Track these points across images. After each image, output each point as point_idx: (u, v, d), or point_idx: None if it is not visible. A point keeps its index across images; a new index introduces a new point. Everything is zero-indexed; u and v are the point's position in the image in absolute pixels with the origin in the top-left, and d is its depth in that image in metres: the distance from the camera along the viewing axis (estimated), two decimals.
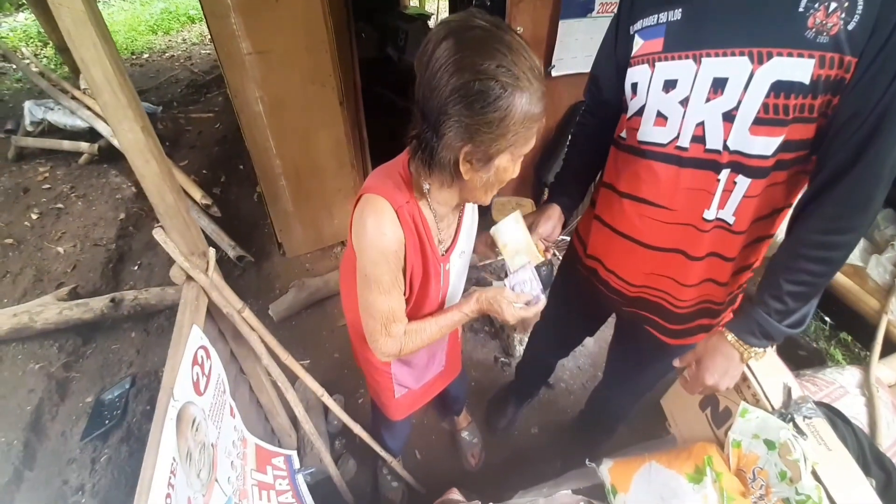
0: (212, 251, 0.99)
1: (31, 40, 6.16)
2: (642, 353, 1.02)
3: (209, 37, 6.97)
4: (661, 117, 0.76)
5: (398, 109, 3.76)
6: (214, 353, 0.91)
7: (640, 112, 0.79)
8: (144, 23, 7.16)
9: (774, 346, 0.78)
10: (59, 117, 3.67)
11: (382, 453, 1.35)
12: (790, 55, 0.61)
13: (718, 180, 0.72)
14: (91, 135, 3.61)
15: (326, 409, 1.76)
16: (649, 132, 0.78)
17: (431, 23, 4.55)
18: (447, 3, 5.56)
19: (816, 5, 0.58)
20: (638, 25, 0.76)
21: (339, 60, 2.06)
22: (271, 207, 2.32)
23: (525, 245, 0.86)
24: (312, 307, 2.24)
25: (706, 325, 0.89)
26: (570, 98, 2.34)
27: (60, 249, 2.62)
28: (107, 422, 1.56)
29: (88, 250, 2.67)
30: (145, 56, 6.13)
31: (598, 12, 2.07)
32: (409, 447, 1.65)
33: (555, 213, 0.96)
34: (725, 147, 0.70)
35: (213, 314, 1.07)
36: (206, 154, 3.73)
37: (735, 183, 0.71)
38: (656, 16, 0.73)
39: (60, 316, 1.95)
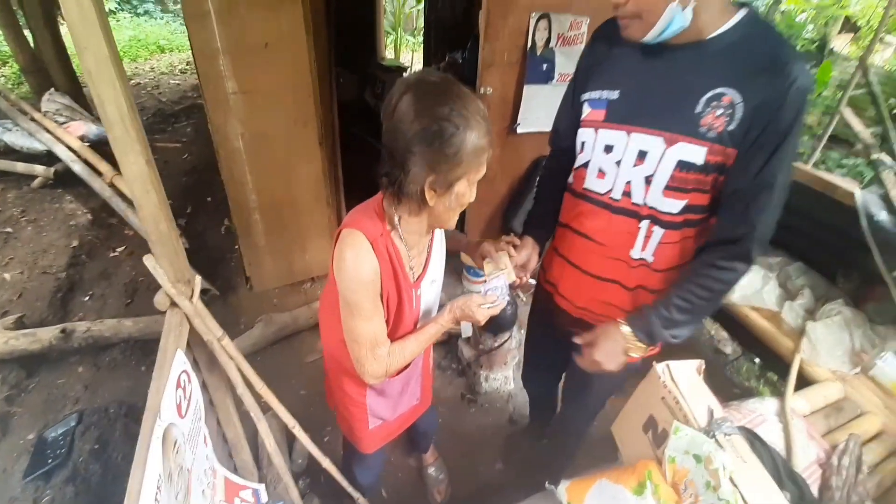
0: (198, 279, 1.03)
1: None
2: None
3: (179, 68, 7.00)
4: (602, 172, 0.94)
5: (373, 151, 3.93)
6: (195, 378, 0.94)
7: (585, 165, 0.98)
8: None
9: (702, 371, 0.92)
10: (16, 138, 3.56)
11: (352, 491, 1.36)
12: (689, 142, 0.80)
13: (640, 228, 0.91)
14: (48, 158, 3.50)
15: (290, 449, 1.73)
16: (592, 182, 0.97)
17: (406, 75, 4.85)
18: (421, 55, 5.95)
19: (708, 110, 0.78)
20: (586, 95, 0.96)
21: (320, 102, 2.19)
22: (242, 240, 2.34)
23: (503, 263, 1.01)
24: (279, 343, 2.22)
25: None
26: (534, 153, 2.57)
27: (6, 276, 2.48)
28: (49, 461, 1.46)
29: (36, 278, 2.54)
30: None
31: (557, 81, 2.35)
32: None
33: (528, 243, 1.11)
34: (645, 203, 0.89)
35: (190, 342, 1.10)
36: (173, 184, 3.69)
37: (652, 231, 0.90)
38: (600, 91, 0.92)
39: (6, 346, 1.85)
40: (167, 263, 0.97)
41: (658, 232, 0.90)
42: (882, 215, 1.45)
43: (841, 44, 7.68)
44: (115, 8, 8.25)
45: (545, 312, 1.23)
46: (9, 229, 2.90)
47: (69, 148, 3.47)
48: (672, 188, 0.84)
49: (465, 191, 0.82)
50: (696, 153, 0.80)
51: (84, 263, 2.79)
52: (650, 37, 0.79)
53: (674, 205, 0.86)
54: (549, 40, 2.27)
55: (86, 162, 3.35)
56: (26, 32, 4.19)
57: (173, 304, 1.00)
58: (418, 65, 6.60)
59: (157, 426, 0.72)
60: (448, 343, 2.24)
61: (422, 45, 5.87)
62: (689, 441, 0.77)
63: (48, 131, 3.61)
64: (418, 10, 8.01)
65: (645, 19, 0.78)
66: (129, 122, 0.82)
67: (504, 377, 2.03)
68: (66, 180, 3.43)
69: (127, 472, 0.67)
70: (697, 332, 2.45)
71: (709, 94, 0.78)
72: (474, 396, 2.03)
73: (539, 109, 2.40)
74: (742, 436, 0.84)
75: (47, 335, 1.93)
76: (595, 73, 0.95)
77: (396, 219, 0.86)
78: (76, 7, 0.70)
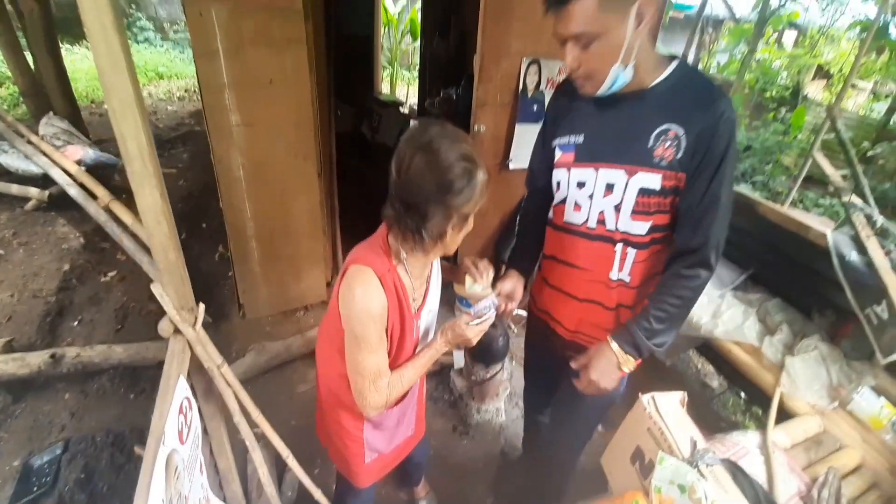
0: (201, 306, 1.06)
1: None
2: (574, 390, 1.18)
3: (177, 95, 7.10)
4: (577, 205, 1.06)
5: (368, 180, 4.03)
6: (195, 405, 0.95)
7: (563, 201, 1.10)
8: None
9: (685, 402, 0.96)
10: (11, 160, 3.57)
11: None
12: (647, 172, 0.94)
13: (615, 251, 1.03)
14: (44, 181, 3.52)
15: (280, 481, 1.71)
16: (570, 215, 1.09)
17: (402, 109, 5.01)
18: (416, 90, 6.17)
19: (658, 143, 0.92)
20: (556, 142, 1.09)
21: (319, 135, 2.27)
22: (238, 267, 2.36)
23: (485, 279, 1.09)
24: (271, 372, 2.21)
25: None
26: (524, 188, 2.65)
27: None
28: (35, 489, 1.43)
29: (26, 301, 2.52)
30: (106, 106, 6.11)
31: None
32: None
33: (513, 275, 1.22)
34: (617, 228, 1.01)
35: (189, 370, 1.11)
36: None
37: (627, 253, 1.02)
38: (568, 137, 1.06)
39: None
40: (173, 291, 1.01)
41: (631, 252, 1.02)
42: (853, 255, 1.54)
43: (815, 90, 8.14)
44: None
45: (540, 338, 1.31)
46: (0, 251, 2.89)
47: (65, 171, 3.49)
48: (638, 212, 0.97)
49: (472, 219, 0.91)
50: (653, 180, 0.94)
51: (74, 288, 2.77)
52: (601, 92, 0.93)
53: (641, 227, 0.99)
54: (539, 83, 2.41)
55: (82, 186, 3.37)
56: (27, 56, 4.26)
57: (176, 330, 1.02)
58: (413, 98, 6.82)
59: (161, 451, 0.74)
60: (440, 374, 2.25)
61: (417, 80, 6.11)
62: (674, 471, 0.81)
63: (45, 154, 3.63)
64: (414, 48, 8.37)
65: (595, 79, 0.92)
66: (147, 157, 0.88)
67: (496, 409, 2.04)
68: (59, 203, 3.44)
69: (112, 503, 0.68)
70: (684, 366, 2.50)
71: (657, 131, 0.92)
72: (466, 428, 2.03)
73: (530, 147, 2.43)
74: (724, 467, 0.87)
75: (36, 360, 1.91)
76: (561, 123, 1.08)
77: (403, 255, 0.92)
78: (107, 52, 0.76)
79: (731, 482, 0.83)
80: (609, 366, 1.01)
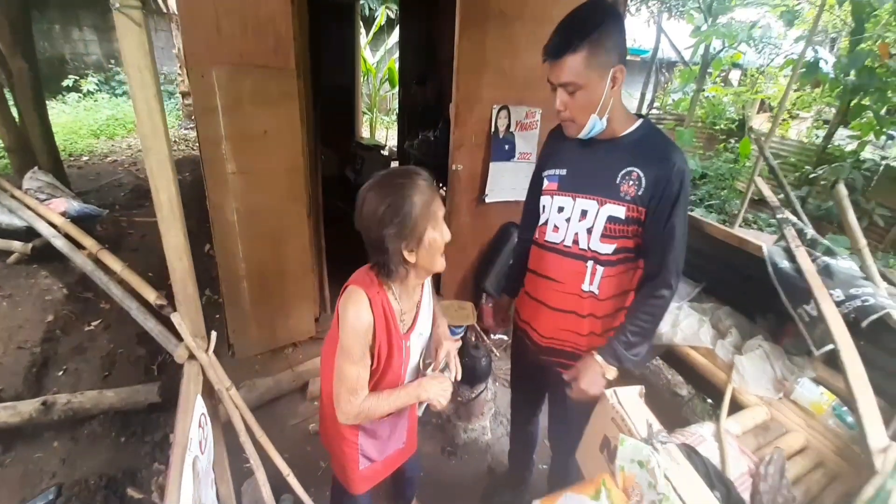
0: (213, 334, 1.18)
1: None
2: (561, 392, 1.32)
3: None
4: (556, 227, 1.26)
5: (352, 219, 4.20)
6: (209, 423, 1.05)
7: (546, 223, 1.30)
8: (87, 127, 7.18)
9: (642, 394, 1.12)
10: None
11: None
12: (614, 203, 1.14)
13: (586, 267, 1.22)
14: (28, 235, 3.54)
15: None
16: (550, 235, 1.28)
17: (383, 152, 5.28)
18: (395, 133, 6.50)
19: (623, 181, 1.13)
20: (545, 173, 1.32)
21: (308, 179, 2.44)
22: (228, 309, 2.44)
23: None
24: (262, 408, 2.25)
25: None
26: (500, 219, 2.89)
27: None
28: None
29: (12, 353, 2.52)
30: (84, 158, 6.12)
31: (517, 159, 2.74)
32: None
33: (505, 300, 1.56)
34: (588, 248, 1.20)
35: None
36: (151, 257, 3.75)
37: (596, 269, 1.21)
38: (554, 170, 1.28)
39: None
40: (188, 320, 1.13)
41: (599, 269, 1.21)
42: (784, 263, 1.75)
43: (760, 122, 8.88)
44: (95, 89, 8.40)
45: (523, 348, 1.49)
46: None
47: (51, 224, 3.54)
48: (606, 236, 1.17)
49: (436, 236, 1.00)
50: (619, 210, 1.14)
51: (58, 338, 2.78)
52: (582, 135, 1.16)
53: (608, 248, 1.18)
54: (509, 126, 2.68)
55: (67, 237, 3.42)
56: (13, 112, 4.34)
57: (191, 356, 1.13)
58: (392, 141, 7.16)
59: (188, 456, 0.84)
60: None
61: (395, 124, 6.43)
62: (633, 449, 0.94)
63: (29, 208, 3.68)
64: (392, 94, 8.83)
65: (577, 123, 1.14)
66: (175, 206, 1.03)
67: (482, 427, 2.14)
68: (42, 256, 3.46)
69: None
70: (655, 377, 2.66)
71: (623, 171, 1.13)
72: (454, 449, 2.11)
73: (504, 182, 2.76)
74: (679, 449, 1.02)
75: (28, 408, 1.93)
76: (550, 158, 1.32)
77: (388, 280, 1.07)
78: (149, 121, 0.93)
79: (681, 456, 0.97)
80: (595, 376, 1.18)
